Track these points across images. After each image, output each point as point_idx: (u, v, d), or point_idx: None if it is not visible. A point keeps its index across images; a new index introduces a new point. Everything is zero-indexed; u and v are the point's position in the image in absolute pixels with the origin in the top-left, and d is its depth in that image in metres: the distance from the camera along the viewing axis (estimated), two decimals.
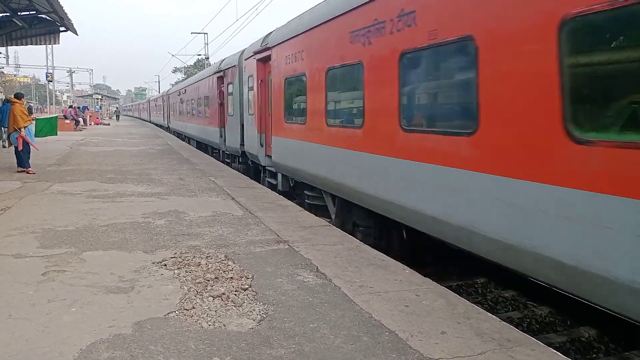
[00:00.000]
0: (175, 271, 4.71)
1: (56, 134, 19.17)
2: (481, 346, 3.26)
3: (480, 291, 6.13)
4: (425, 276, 4.75)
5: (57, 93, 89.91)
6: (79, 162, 14.02)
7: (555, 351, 3.24)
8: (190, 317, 3.67)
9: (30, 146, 11.95)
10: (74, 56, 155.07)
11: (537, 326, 5.20)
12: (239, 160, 14.40)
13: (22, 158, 11.67)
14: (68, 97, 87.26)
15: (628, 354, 4.51)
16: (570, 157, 3.53)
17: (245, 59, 12.68)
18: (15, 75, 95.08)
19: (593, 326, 4.91)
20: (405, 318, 3.69)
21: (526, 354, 3.16)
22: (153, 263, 4.95)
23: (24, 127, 11.78)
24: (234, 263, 4.98)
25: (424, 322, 3.64)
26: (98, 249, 5.46)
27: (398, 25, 5.53)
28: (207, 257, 5.13)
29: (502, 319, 3.82)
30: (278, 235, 6.12)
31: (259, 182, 11.49)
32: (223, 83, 15.94)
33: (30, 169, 11.64)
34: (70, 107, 38.16)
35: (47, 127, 18.00)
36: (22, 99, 12.55)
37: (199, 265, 4.88)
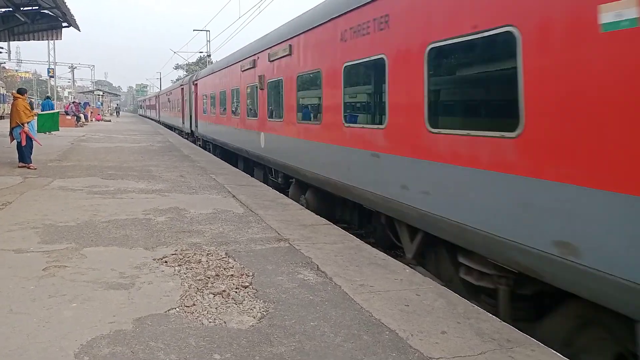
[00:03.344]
0: (176, 268, 4.71)
1: (58, 130, 19.14)
2: (481, 346, 3.26)
3: None
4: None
5: (59, 89, 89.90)
6: (80, 158, 14.04)
7: (555, 352, 3.24)
8: (190, 313, 3.68)
9: (33, 141, 11.96)
10: (75, 52, 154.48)
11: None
12: (189, 135, 25.90)
13: (24, 153, 11.68)
14: (69, 93, 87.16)
15: None
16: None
17: (191, 81, 24.28)
18: (16, 71, 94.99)
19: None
20: (406, 317, 3.70)
21: (526, 354, 3.16)
22: (154, 260, 4.96)
23: (27, 123, 11.80)
24: (234, 260, 4.99)
25: (424, 321, 3.64)
26: (99, 245, 5.47)
27: (221, 79, 16.88)
28: (207, 255, 5.14)
29: (502, 320, 3.83)
30: (279, 233, 6.12)
31: (198, 147, 21.45)
32: (183, 92, 27.82)
33: (31, 164, 11.66)
34: (73, 103, 38.17)
35: (49, 123, 17.94)
36: (25, 95, 12.54)
37: (199, 262, 4.89)
